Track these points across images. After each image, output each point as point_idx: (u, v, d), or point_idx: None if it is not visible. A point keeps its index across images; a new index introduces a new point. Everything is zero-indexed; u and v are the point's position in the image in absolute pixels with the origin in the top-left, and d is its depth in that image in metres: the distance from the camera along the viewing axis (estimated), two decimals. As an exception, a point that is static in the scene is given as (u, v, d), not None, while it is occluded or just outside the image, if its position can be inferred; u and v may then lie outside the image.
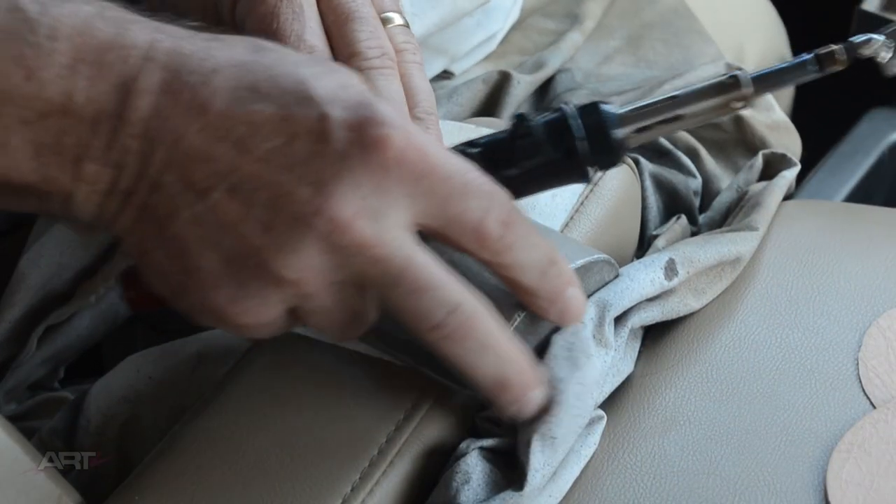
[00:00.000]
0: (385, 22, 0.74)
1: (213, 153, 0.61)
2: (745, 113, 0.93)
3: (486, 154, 0.69)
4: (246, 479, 0.67)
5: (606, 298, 0.72)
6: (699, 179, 0.90)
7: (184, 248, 0.62)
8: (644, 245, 0.85)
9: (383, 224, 0.61)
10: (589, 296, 0.72)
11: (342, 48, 0.72)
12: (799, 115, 1.08)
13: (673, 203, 0.88)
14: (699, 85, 0.70)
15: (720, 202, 0.87)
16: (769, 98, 0.95)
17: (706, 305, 0.78)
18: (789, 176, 0.86)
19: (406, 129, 0.61)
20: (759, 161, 0.85)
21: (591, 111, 0.69)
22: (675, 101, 0.70)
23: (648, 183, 0.88)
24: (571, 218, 0.77)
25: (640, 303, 0.75)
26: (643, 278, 0.74)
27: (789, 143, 0.95)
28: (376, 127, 0.61)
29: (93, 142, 0.61)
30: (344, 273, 0.62)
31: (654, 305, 0.76)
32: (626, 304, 0.73)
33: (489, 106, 0.94)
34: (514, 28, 1.02)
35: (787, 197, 0.86)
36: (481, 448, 0.69)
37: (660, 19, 1.03)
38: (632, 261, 0.78)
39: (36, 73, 0.60)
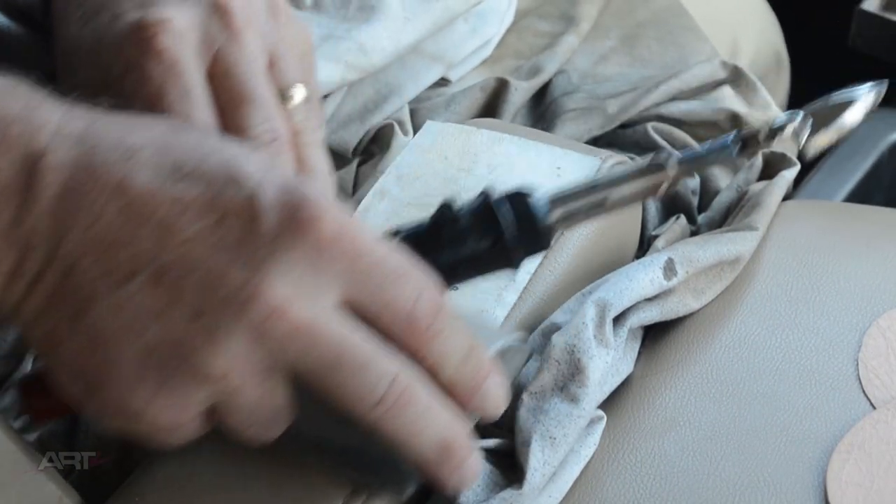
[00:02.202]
0: (286, 100, 0.71)
1: (136, 235, 0.58)
2: (742, 111, 0.93)
3: (410, 242, 0.66)
4: (246, 480, 0.67)
5: (606, 298, 0.72)
6: (697, 178, 0.91)
7: (101, 339, 0.58)
8: (644, 245, 0.85)
9: (318, 306, 0.58)
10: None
11: (233, 131, 0.69)
12: (798, 115, 1.07)
13: (671, 202, 0.88)
14: (624, 169, 0.68)
15: (720, 202, 0.87)
16: (765, 95, 0.95)
17: (706, 306, 0.78)
18: (789, 176, 0.86)
19: (337, 210, 0.59)
20: (758, 161, 0.86)
21: (518, 198, 0.66)
22: (601, 185, 0.67)
23: (647, 183, 0.88)
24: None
25: (639, 303, 0.75)
26: (642, 278, 0.74)
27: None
28: (308, 207, 0.58)
29: None
30: (274, 362, 0.59)
31: (653, 305, 0.76)
32: (626, 304, 0.73)
33: (487, 113, 0.94)
34: (508, 30, 1.01)
35: (787, 197, 0.87)
36: (481, 449, 0.69)
37: (654, 18, 1.03)
38: (632, 261, 0.78)
39: None
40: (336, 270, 0.59)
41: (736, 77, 0.94)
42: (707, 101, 0.93)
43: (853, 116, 0.69)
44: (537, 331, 0.74)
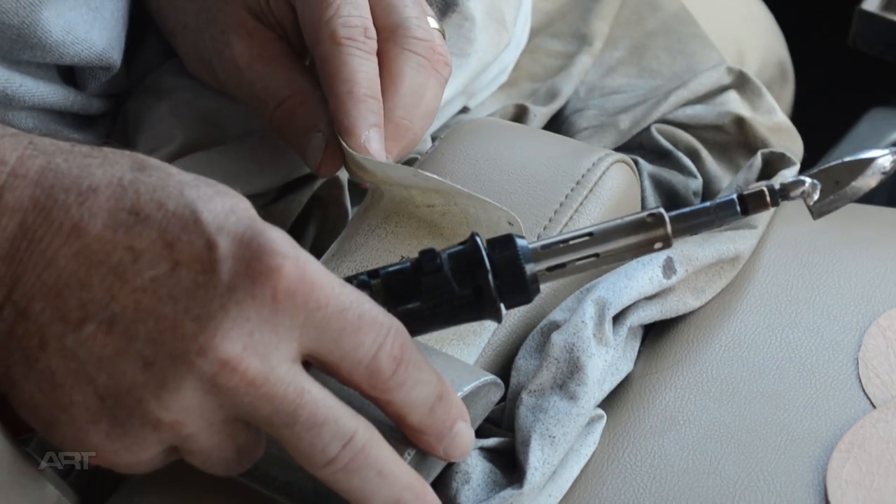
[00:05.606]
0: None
1: (89, 281, 0.57)
2: (747, 115, 0.93)
3: (388, 286, 0.65)
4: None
5: (605, 297, 0.72)
6: (700, 180, 0.90)
7: (54, 383, 0.58)
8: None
9: (273, 359, 0.58)
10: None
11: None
12: (799, 115, 1.07)
13: (672, 203, 0.88)
14: (617, 221, 0.66)
15: (720, 202, 0.87)
16: (770, 100, 0.95)
17: (706, 304, 0.78)
18: (788, 175, 0.85)
19: (297, 259, 0.58)
20: (758, 160, 0.86)
21: (504, 245, 0.65)
22: (593, 238, 0.65)
23: (647, 183, 0.88)
24: (571, 218, 0.77)
25: (639, 301, 0.75)
26: (641, 277, 0.74)
27: (791, 145, 0.95)
28: (266, 257, 0.57)
29: None
30: (229, 412, 0.59)
31: (653, 304, 0.76)
32: (625, 303, 0.73)
33: (507, 140, 0.93)
34: (522, 51, 1.01)
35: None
36: (481, 448, 0.69)
37: (663, 27, 1.03)
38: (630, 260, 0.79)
39: None
40: (292, 324, 0.58)
41: (741, 82, 0.94)
42: (712, 105, 0.93)
43: (867, 182, 0.67)
44: (536, 329, 0.74)
